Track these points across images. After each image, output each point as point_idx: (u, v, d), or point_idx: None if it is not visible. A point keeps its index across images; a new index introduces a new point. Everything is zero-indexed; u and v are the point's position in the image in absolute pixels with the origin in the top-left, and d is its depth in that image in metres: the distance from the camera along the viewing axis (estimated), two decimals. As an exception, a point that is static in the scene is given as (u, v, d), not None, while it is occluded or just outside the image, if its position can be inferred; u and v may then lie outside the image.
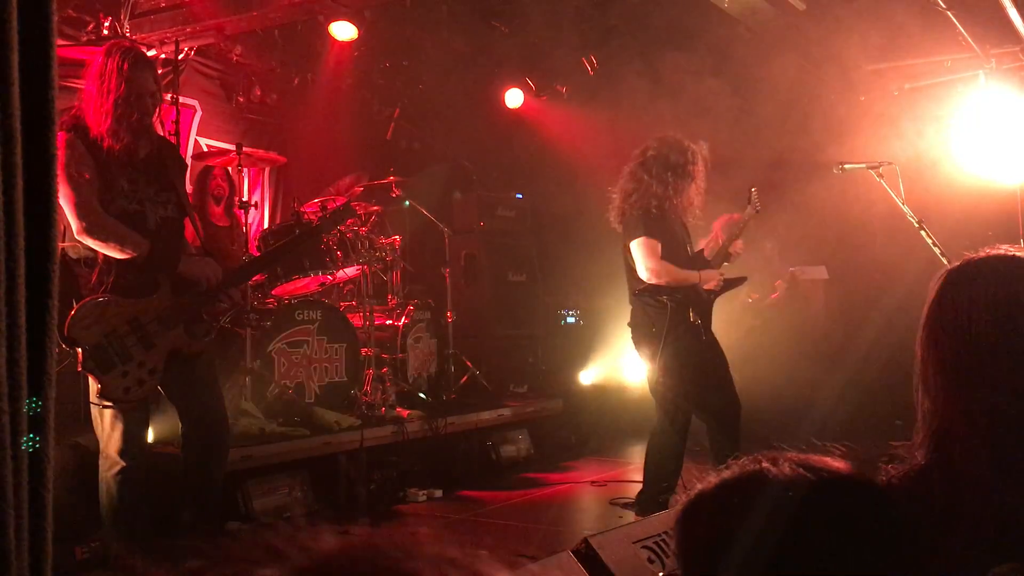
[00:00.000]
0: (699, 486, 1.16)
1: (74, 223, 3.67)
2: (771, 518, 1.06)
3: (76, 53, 6.16)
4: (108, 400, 3.72)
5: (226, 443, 4.17)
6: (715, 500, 1.13)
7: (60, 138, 3.66)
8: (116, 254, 3.77)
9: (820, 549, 1.05)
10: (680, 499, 1.20)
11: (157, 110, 3.98)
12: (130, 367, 3.74)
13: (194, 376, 3.98)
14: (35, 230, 0.91)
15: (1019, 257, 1.48)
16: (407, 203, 7.58)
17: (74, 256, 3.77)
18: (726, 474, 1.15)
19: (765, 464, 1.13)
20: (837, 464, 1.16)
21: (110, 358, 3.69)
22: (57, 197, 0.96)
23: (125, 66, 3.74)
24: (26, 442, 0.89)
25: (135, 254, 3.78)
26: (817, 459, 1.15)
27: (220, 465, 4.13)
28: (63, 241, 3.73)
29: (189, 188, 5.85)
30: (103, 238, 3.73)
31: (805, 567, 1.04)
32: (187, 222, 4.09)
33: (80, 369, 3.67)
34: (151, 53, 6.42)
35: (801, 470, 1.12)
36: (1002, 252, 1.50)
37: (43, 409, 0.92)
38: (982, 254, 1.52)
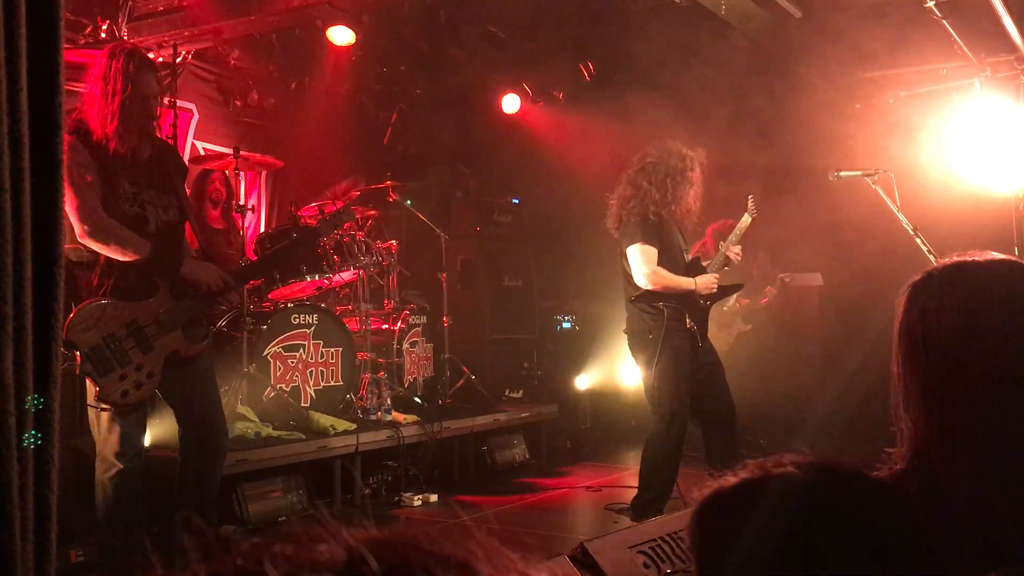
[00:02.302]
0: (717, 484, 1.16)
1: (76, 226, 3.67)
2: (791, 518, 1.07)
3: (74, 56, 6.16)
4: (106, 403, 3.72)
5: (223, 446, 4.17)
6: (735, 498, 1.14)
7: None
8: (117, 256, 3.77)
9: (838, 551, 1.06)
10: (694, 498, 1.20)
11: (159, 112, 4.00)
12: (128, 370, 3.74)
13: (192, 379, 3.98)
14: (41, 235, 0.92)
15: (981, 262, 1.48)
16: (408, 202, 7.58)
17: (74, 259, 3.78)
18: (745, 473, 1.15)
19: (788, 466, 1.13)
20: (860, 469, 1.17)
21: (108, 361, 3.69)
22: (64, 202, 0.96)
23: (131, 68, 3.75)
24: (28, 438, 0.90)
25: (136, 256, 3.78)
26: (839, 462, 1.16)
27: (217, 468, 4.13)
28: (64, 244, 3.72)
29: (187, 191, 5.86)
30: (105, 240, 3.73)
31: (822, 568, 1.05)
32: (187, 225, 4.10)
33: (78, 372, 3.67)
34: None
35: (822, 473, 1.12)
36: (964, 259, 1.51)
37: (48, 411, 0.93)
38: (945, 263, 1.52)
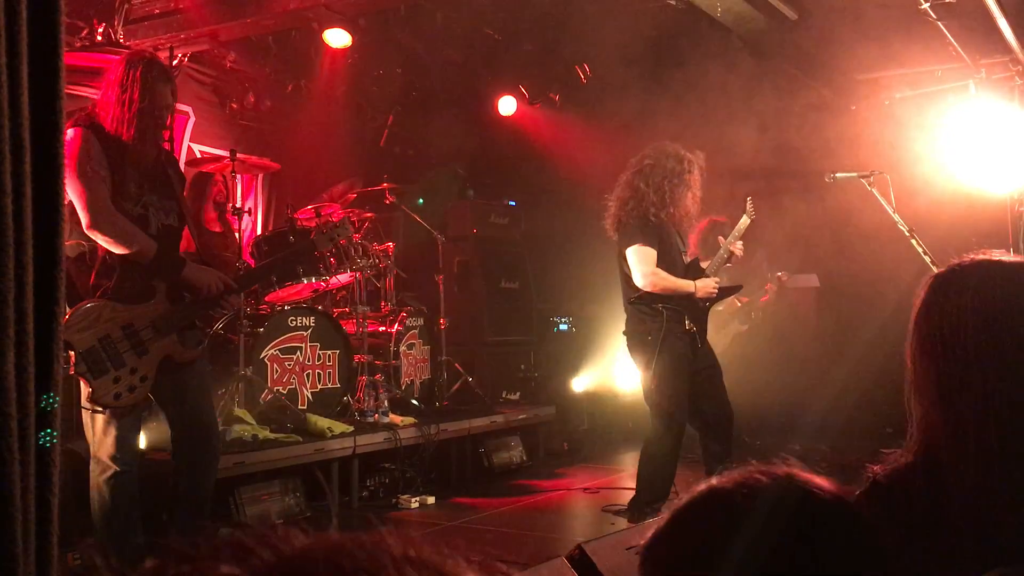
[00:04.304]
0: (669, 507, 1.16)
1: (83, 217, 3.66)
2: (746, 536, 1.06)
3: (71, 59, 6.16)
4: (98, 405, 3.72)
5: (216, 450, 4.15)
6: (689, 521, 1.13)
7: (76, 132, 3.68)
8: (122, 251, 3.76)
9: (794, 568, 1.05)
10: (660, 516, 1.19)
11: (170, 123, 4.03)
12: (122, 373, 3.74)
13: (186, 383, 3.97)
14: (43, 238, 0.92)
15: (1006, 263, 1.49)
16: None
17: (72, 255, 3.78)
18: (694, 495, 1.14)
19: (742, 479, 1.13)
20: (807, 477, 1.15)
21: (103, 363, 3.69)
22: (64, 207, 0.97)
23: (149, 78, 3.77)
24: (43, 437, 0.90)
25: (141, 254, 3.78)
26: (787, 471, 1.15)
27: (210, 472, 4.11)
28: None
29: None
30: (112, 234, 3.72)
31: None
32: (185, 232, 4.11)
33: (72, 372, 3.66)
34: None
35: (775, 485, 1.11)
36: (989, 258, 1.51)
37: (50, 413, 0.93)
38: (969, 260, 1.53)
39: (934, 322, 1.49)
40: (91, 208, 3.67)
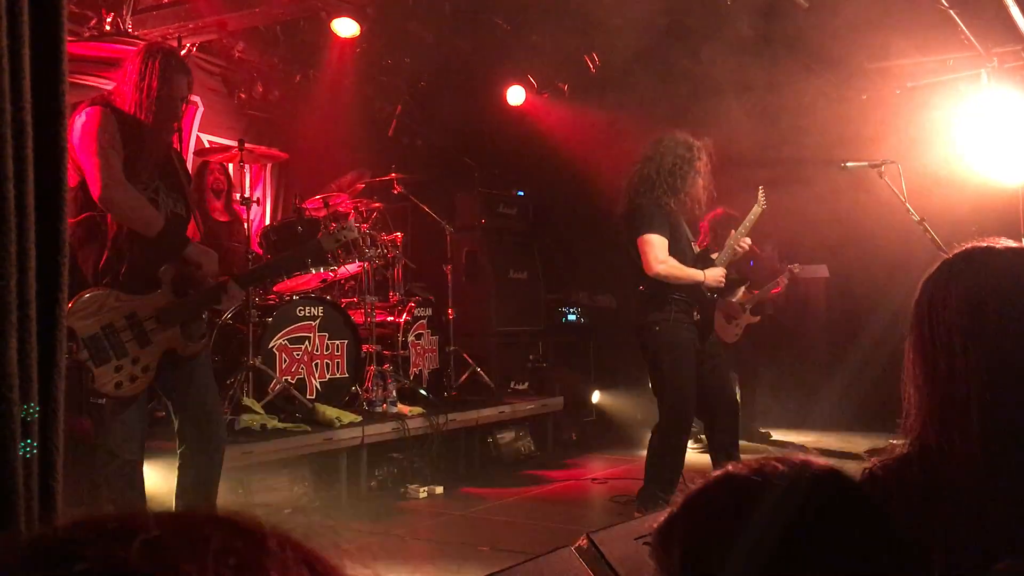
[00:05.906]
0: (684, 492, 1.15)
1: (95, 186, 3.65)
2: (762, 519, 1.05)
3: (79, 49, 6.16)
4: (100, 393, 3.72)
5: (221, 441, 4.13)
6: (704, 504, 1.12)
7: (95, 110, 3.70)
8: (131, 223, 3.74)
9: (810, 552, 1.04)
10: (674, 501, 1.18)
11: (182, 114, 4.05)
12: (124, 362, 3.73)
13: (190, 376, 3.97)
14: (45, 224, 0.91)
15: (996, 250, 1.48)
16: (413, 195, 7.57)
17: (82, 232, 3.78)
18: (710, 480, 1.13)
19: (758, 465, 1.12)
20: (823, 464, 1.15)
21: (105, 351, 3.69)
22: (67, 192, 0.96)
23: (168, 69, 3.80)
24: (25, 447, 0.90)
25: (149, 227, 3.78)
26: (803, 458, 1.14)
27: (216, 463, 4.10)
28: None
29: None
30: (123, 202, 3.71)
31: (796, 570, 1.04)
32: (191, 225, 4.12)
33: (76, 358, 3.66)
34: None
35: (791, 471, 1.11)
36: (980, 246, 1.51)
37: (52, 400, 0.92)
38: (962, 248, 1.52)
39: (923, 310, 1.49)
40: (104, 177, 3.67)
